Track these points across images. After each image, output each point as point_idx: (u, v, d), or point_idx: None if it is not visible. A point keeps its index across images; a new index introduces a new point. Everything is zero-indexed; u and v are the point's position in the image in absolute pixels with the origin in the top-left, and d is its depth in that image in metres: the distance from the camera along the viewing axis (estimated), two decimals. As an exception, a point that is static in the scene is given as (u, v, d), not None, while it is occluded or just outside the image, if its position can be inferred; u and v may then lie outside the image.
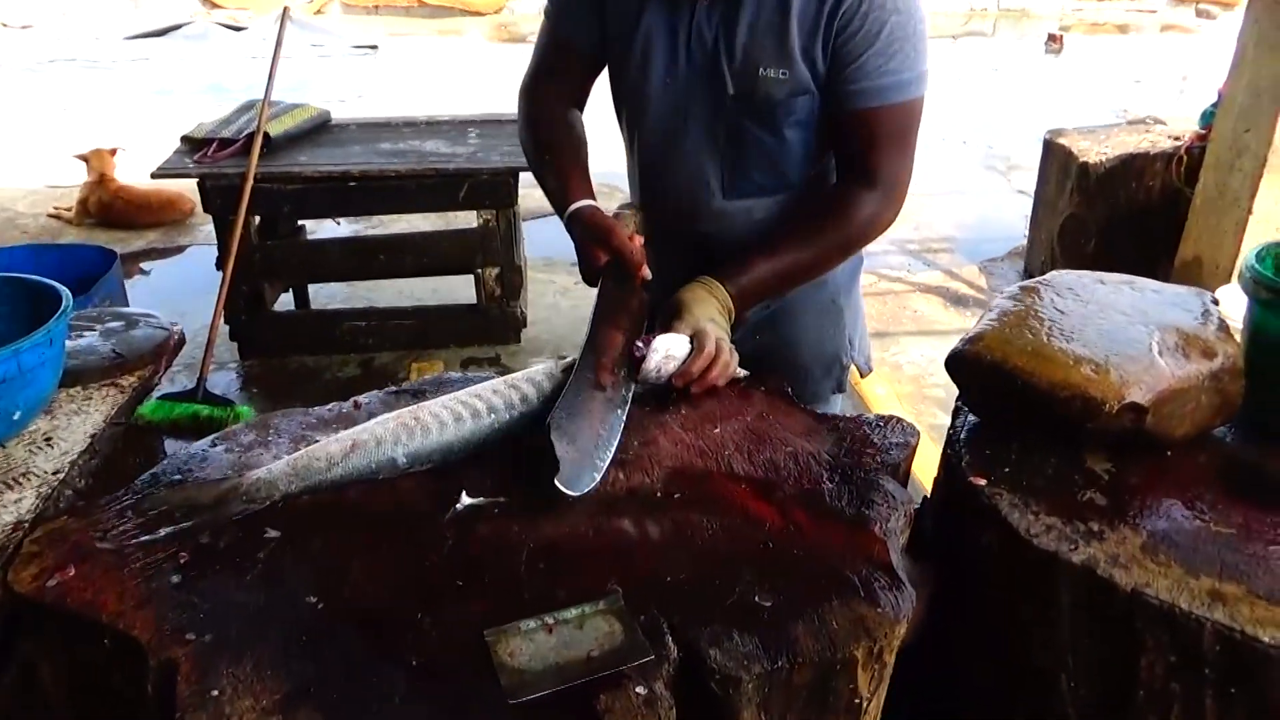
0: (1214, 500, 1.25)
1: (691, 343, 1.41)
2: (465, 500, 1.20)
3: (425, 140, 3.96)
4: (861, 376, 1.88)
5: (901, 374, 3.96)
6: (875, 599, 1.07)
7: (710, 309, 1.47)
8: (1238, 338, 1.41)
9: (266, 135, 3.64)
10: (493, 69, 10.32)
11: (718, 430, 1.37)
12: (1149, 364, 1.30)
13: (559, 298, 4.68)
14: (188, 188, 5.28)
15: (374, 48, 11.63)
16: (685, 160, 1.59)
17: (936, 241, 5.57)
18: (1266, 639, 1.03)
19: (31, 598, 1.04)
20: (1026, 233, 5.28)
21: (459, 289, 4.34)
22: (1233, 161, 3.80)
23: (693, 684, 1.00)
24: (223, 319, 3.77)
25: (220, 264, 3.61)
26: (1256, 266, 1.40)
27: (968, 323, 4.60)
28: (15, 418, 1.22)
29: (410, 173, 3.62)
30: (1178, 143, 4.40)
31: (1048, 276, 1.59)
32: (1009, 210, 5.99)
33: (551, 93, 1.69)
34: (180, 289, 4.82)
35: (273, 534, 1.14)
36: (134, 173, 5.79)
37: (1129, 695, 1.12)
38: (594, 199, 1.57)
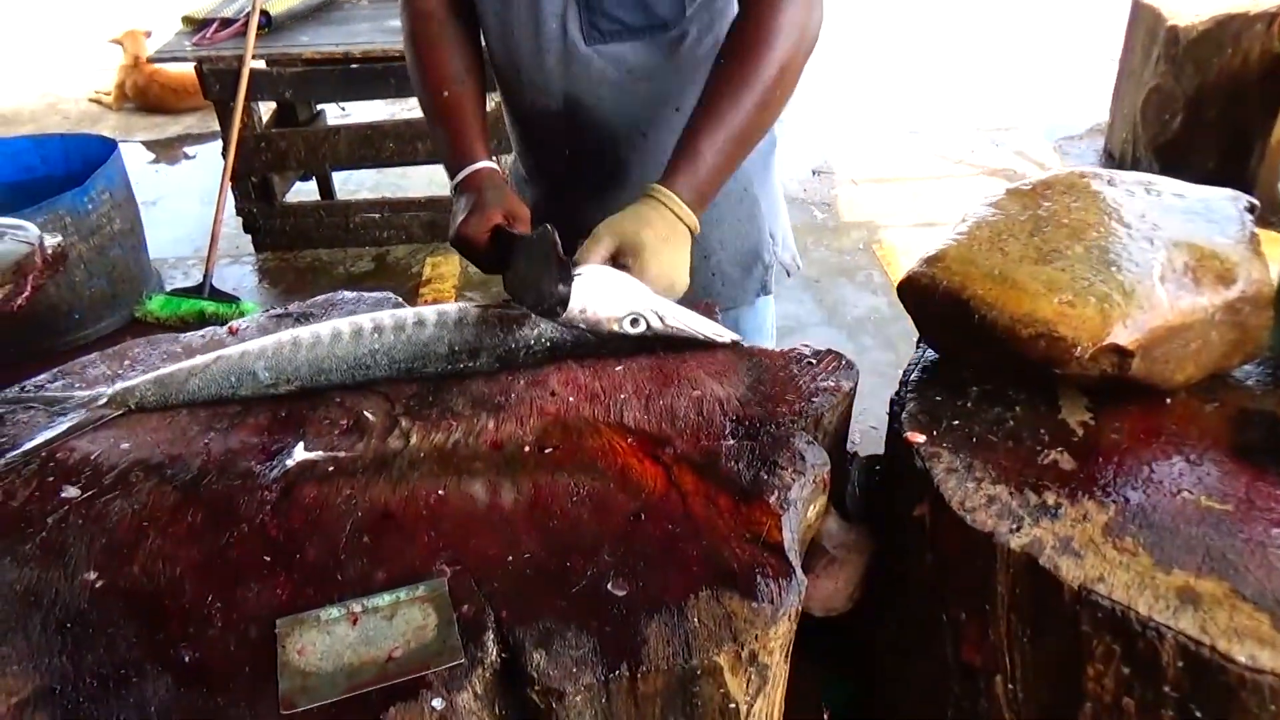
0: (1214, 463, 1.01)
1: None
2: (298, 454, 1.04)
3: (438, 15, 3.70)
4: (788, 276, 1.62)
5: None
6: (752, 590, 0.88)
7: (649, 234, 1.18)
8: None
9: (265, 13, 3.43)
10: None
11: (620, 368, 1.17)
12: (1144, 293, 1.05)
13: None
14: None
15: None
16: (537, 4, 1.33)
17: (1005, 117, 5.10)
18: (1243, 658, 0.81)
19: None
20: (1109, 106, 4.79)
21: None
22: (1345, 22, 3.30)
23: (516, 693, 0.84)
24: (234, 211, 3.66)
25: (225, 153, 3.47)
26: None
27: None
28: None
29: (415, 52, 3.38)
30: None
31: (1048, 176, 1.32)
32: (1092, 81, 5.44)
33: None
34: (214, 175, 4.71)
35: (71, 493, 1.00)
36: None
37: (1074, 705, 0.92)
38: (490, 157, 1.33)
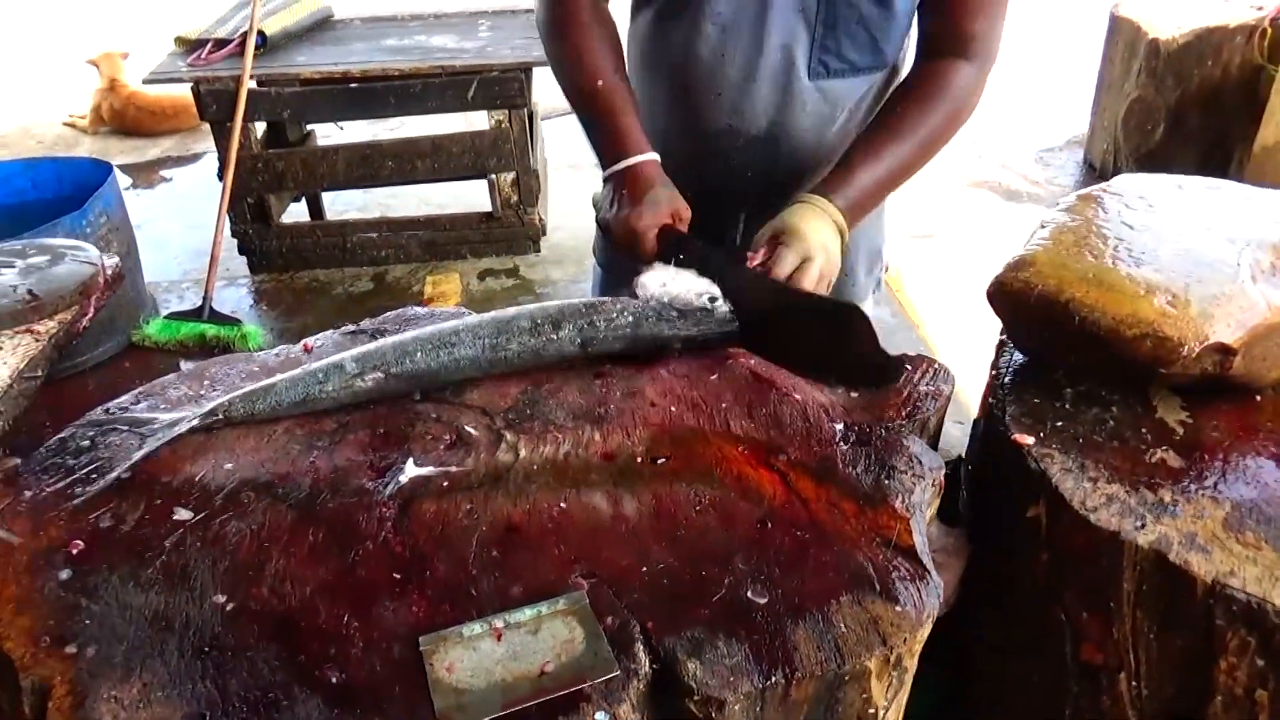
0: (1314, 458, 1.03)
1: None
2: (410, 470, 1.02)
3: (433, 35, 3.69)
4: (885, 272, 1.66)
5: (945, 283, 3.68)
6: (894, 594, 0.88)
7: (823, 234, 1.25)
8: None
9: (261, 33, 3.40)
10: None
11: (715, 377, 1.17)
12: (1238, 292, 1.07)
13: (584, 203, 4.44)
14: (198, 92, 5.07)
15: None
16: (769, 31, 1.32)
17: (986, 128, 5.18)
18: (1381, 645, 0.83)
19: (-101, 598, 0.89)
20: (1088, 119, 4.88)
21: (480, 196, 4.12)
22: (1325, 33, 3.40)
23: (669, 702, 0.83)
24: (229, 233, 3.61)
25: (221, 174, 3.43)
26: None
27: (1023, 222, 4.29)
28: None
29: (414, 71, 3.37)
30: (1261, 12, 3.96)
31: (1113, 182, 1.34)
32: (1069, 93, 5.55)
33: None
34: (198, 198, 4.64)
35: (184, 515, 0.98)
36: (141, 79, 5.59)
37: (1203, 700, 0.94)
38: (649, 148, 1.33)
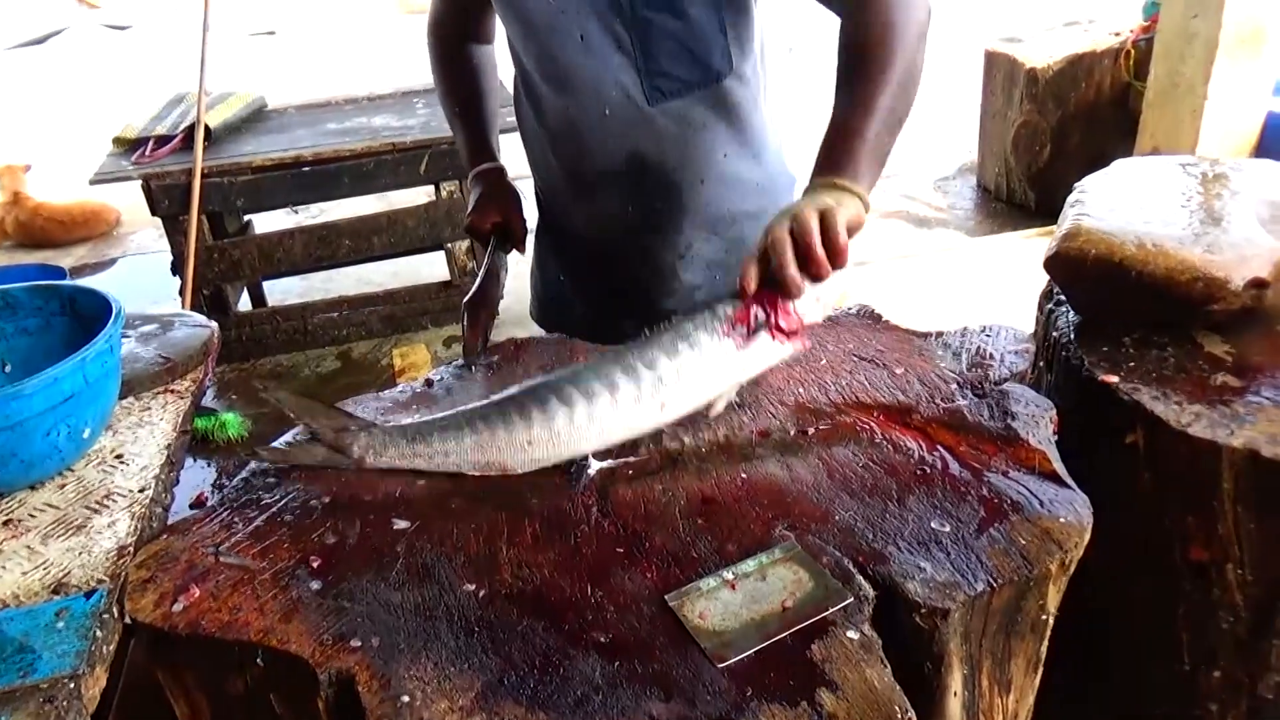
0: (1339, 368, 1.23)
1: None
2: (594, 464, 1.12)
3: (372, 116, 3.79)
4: None
5: (884, 302, 3.93)
6: (1054, 510, 1.02)
7: (797, 203, 1.13)
8: None
9: (207, 127, 3.43)
10: (406, 43, 9.97)
11: (824, 361, 1.31)
12: (1257, 236, 1.27)
13: (526, 265, 4.55)
14: (111, 196, 5.01)
15: (271, 33, 11.16)
16: (594, 70, 1.41)
17: (886, 165, 5.55)
18: None
19: (159, 626, 0.93)
20: (974, 147, 5.29)
21: (421, 270, 4.19)
22: (1183, 49, 3.83)
23: (890, 622, 0.95)
24: (185, 326, 3.58)
25: (176, 268, 3.42)
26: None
27: (940, 243, 4.61)
28: (85, 435, 1.10)
29: (366, 150, 3.46)
30: (1120, 38, 4.42)
31: (1110, 168, 1.55)
32: (950, 127, 5.99)
33: (453, 29, 1.66)
34: (132, 300, 4.56)
35: (402, 524, 1.05)
36: (50, 187, 5.47)
37: (1302, 573, 1.10)
38: (498, 159, 1.63)
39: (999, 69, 4.84)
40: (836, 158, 1.17)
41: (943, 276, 4.02)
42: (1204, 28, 3.70)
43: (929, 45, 1.26)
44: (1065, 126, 4.51)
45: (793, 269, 1.07)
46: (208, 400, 3.53)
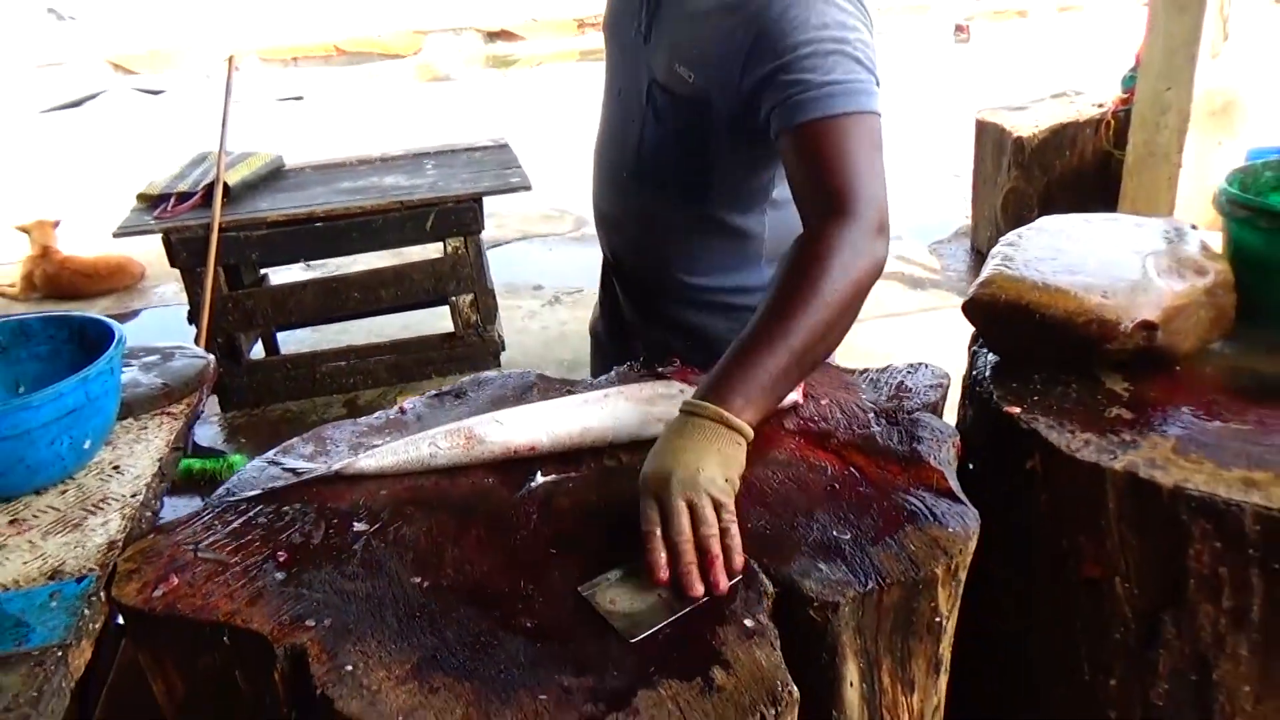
0: (1227, 404, 1.34)
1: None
2: (540, 479, 1.25)
3: (384, 176, 4.00)
4: None
5: (875, 359, 4.06)
6: (944, 521, 1.14)
7: (684, 457, 1.12)
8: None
9: (225, 184, 3.64)
10: (423, 108, 10.35)
11: (759, 393, 1.43)
12: (1150, 284, 1.40)
13: (527, 321, 4.73)
14: (137, 250, 5.24)
15: (299, 98, 11.59)
16: (611, 122, 1.68)
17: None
18: (1302, 515, 1.12)
19: (140, 609, 1.06)
20: (969, 212, 5.46)
21: (427, 322, 4.36)
22: (1157, 120, 4.00)
23: (790, 616, 1.06)
24: (198, 372, 3.75)
25: (193, 318, 3.60)
26: (1229, 189, 1.51)
27: (929, 303, 4.75)
28: (86, 447, 1.24)
29: (375, 208, 3.65)
30: (1102, 109, 4.60)
31: (1037, 223, 1.69)
32: (948, 194, 6.18)
33: None
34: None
35: (361, 526, 1.18)
36: (79, 241, 5.72)
37: (1181, 586, 1.21)
38: None
39: (989, 137, 5.03)
40: (732, 384, 1.17)
41: (923, 333, 4.15)
42: (1176, 99, 3.87)
43: (870, 284, 1.29)
44: (1051, 192, 4.67)
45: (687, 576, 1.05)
46: (217, 444, 3.68)
